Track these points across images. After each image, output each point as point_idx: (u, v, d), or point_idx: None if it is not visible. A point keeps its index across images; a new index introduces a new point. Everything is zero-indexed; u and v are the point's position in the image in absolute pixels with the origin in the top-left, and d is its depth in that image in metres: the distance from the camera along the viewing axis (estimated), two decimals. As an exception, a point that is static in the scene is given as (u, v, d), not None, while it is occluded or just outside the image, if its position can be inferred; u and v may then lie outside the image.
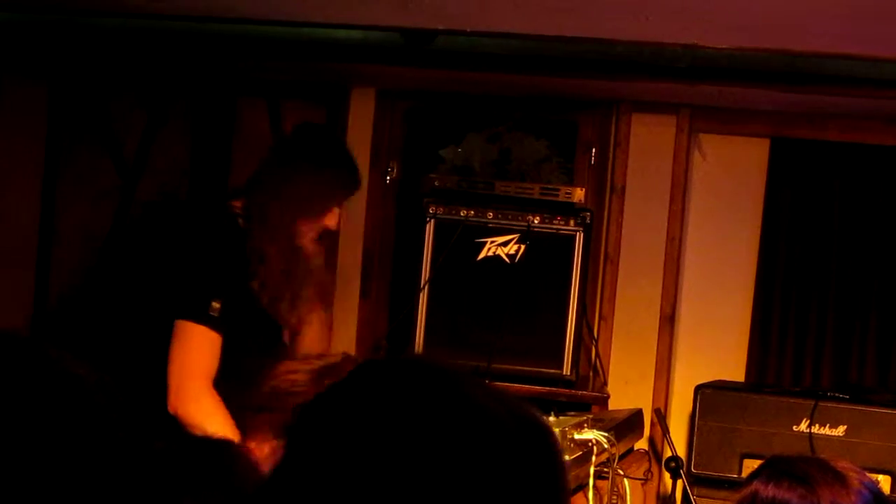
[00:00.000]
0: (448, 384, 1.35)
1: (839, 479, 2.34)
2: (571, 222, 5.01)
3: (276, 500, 1.34)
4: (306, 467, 1.32)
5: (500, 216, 5.00)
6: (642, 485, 4.90)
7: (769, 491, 2.33)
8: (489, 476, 1.29)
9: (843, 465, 2.40)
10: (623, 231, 5.30)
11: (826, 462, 2.40)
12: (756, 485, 2.37)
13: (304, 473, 1.32)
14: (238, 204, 4.02)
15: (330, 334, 5.45)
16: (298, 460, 1.33)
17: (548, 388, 4.88)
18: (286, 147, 4.17)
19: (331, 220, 4.07)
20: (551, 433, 1.37)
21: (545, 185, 5.17)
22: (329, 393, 1.37)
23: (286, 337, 4.08)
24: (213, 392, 3.86)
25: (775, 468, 2.39)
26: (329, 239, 5.35)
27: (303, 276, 4.01)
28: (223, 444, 1.89)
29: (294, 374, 3.05)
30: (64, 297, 5.58)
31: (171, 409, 3.83)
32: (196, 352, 3.87)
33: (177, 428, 3.78)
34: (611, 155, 5.32)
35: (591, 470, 3.94)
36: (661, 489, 5.22)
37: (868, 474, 2.44)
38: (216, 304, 3.87)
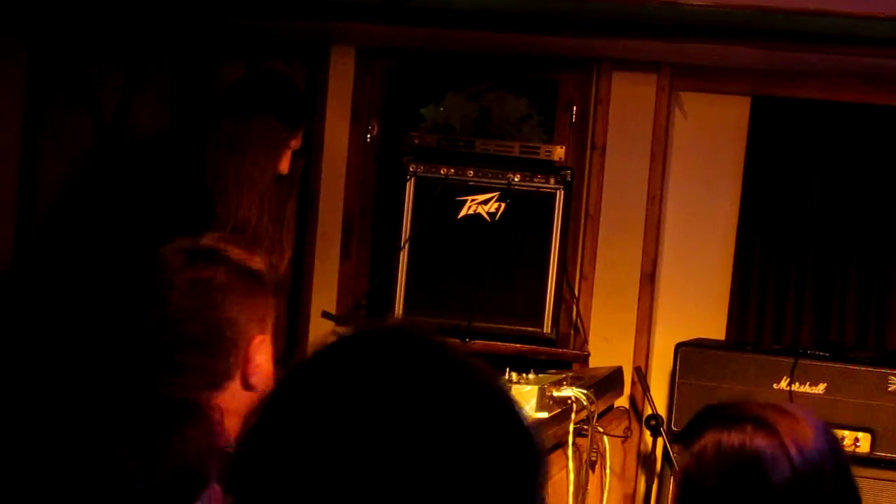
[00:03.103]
0: (433, 355, 1.33)
1: (790, 415, 2.31)
2: (552, 180, 5.00)
3: (246, 466, 1.31)
4: (281, 437, 1.29)
5: (480, 174, 4.99)
6: (622, 442, 4.92)
7: (733, 438, 2.28)
8: (475, 451, 1.27)
9: (780, 405, 2.38)
10: (604, 189, 5.30)
11: (767, 403, 2.37)
12: (715, 434, 2.31)
13: (277, 444, 1.29)
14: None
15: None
16: (273, 430, 1.30)
17: (528, 347, 4.88)
18: (223, 102, 4.16)
19: (283, 164, 4.05)
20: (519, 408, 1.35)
21: (525, 144, 5.16)
22: (308, 364, 1.34)
23: None
24: None
25: (726, 415, 2.34)
26: (309, 198, 5.36)
27: (266, 223, 4.00)
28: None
29: None
30: (42, 258, 5.56)
31: None
32: None
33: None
34: (591, 113, 5.31)
35: (571, 427, 3.95)
36: (642, 447, 5.24)
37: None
38: None
